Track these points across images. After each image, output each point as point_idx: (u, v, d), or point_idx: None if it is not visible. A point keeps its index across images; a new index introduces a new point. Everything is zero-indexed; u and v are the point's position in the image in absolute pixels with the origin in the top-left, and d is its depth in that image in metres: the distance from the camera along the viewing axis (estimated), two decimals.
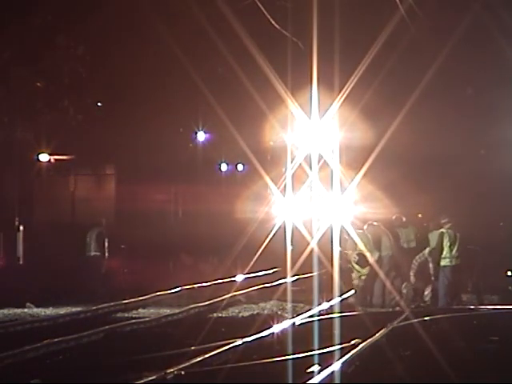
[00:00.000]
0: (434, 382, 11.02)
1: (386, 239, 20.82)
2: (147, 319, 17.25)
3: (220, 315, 18.53)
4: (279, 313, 18.68)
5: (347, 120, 27.51)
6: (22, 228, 22.72)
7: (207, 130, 34.47)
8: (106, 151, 30.40)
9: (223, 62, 25.50)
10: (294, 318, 16.78)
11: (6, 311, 19.32)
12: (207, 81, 26.92)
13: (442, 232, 19.84)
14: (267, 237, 25.64)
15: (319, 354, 12.16)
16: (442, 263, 19.71)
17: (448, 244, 19.73)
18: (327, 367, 10.90)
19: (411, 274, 20.16)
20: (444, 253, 19.72)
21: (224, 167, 37.91)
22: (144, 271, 23.52)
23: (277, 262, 26.71)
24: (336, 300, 19.22)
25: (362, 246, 20.50)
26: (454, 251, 19.71)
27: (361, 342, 12.86)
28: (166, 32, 23.42)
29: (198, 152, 35.22)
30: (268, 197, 31.55)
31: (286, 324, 15.46)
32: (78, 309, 19.53)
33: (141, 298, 20.62)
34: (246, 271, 25.64)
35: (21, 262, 22.48)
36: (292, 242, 25.21)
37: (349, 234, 20.76)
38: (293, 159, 26.81)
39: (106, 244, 22.29)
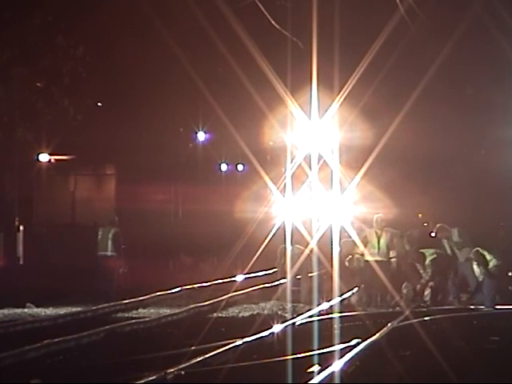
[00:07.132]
0: (433, 381, 11.02)
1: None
2: (147, 319, 17.22)
3: (220, 315, 18.50)
4: (279, 313, 18.65)
5: (347, 120, 27.53)
6: (22, 228, 22.66)
7: (207, 130, 34.51)
8: (106, 151, 30.42)
9: (223, 62, 25.50)
10: (294, 318, 16.78)
11: (6, 311, 19.29)
12: (207, 81, 26.94)
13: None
14: (267, 237, 25.60)
15: (319, 353, 12.15)
16: None
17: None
18: (327, 367, 10.90)
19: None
20: None
21: (224, 167, 37.94)
22: (144, 271, 23.47)
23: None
24: (336, 300, 19.22)
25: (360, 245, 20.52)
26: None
27: (361, 342, 12.86)
28: (166, 32, 23.43)
29: (198, 152, 35.26)
30: (268, 197, 31.53)
31: (285, 324, 15.46)
32: (78, 309, 19.51)
33: (141, 298, 20.60)
34: (245, 271, 25.62)
35: (21, 262, 22.42)
36: (292, 241, 25.17)
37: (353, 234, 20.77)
38: (293, 159, 26.78)
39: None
